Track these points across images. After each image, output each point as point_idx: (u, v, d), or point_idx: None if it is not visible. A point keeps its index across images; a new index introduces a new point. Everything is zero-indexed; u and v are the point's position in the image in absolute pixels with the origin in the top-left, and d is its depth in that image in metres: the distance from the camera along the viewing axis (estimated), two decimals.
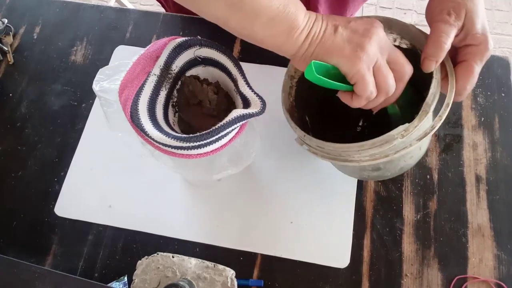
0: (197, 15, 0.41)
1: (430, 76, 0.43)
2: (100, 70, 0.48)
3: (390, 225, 0.57)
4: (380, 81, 0.40)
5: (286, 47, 0.40)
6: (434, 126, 0.40)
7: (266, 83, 0.54)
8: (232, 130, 0.43)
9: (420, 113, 0.40)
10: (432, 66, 0.41)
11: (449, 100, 0.41)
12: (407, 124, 0.40)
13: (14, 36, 0.71)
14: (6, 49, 0.69)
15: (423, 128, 0.41)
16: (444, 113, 0.40)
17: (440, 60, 0.41)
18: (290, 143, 0.61)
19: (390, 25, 0.47)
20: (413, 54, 0.47)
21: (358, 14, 0.80)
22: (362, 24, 0.40)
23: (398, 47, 0.47)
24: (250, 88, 0.45)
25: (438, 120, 0.40)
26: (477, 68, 0.42)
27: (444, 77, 0.43)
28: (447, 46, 0.41)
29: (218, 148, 0.44)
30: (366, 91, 0.39)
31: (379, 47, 0.39)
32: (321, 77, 0.38)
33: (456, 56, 0.44)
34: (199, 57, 0.48)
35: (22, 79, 0.68)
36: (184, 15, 0.71)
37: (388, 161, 0.44)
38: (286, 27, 0.38)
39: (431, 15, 0.43)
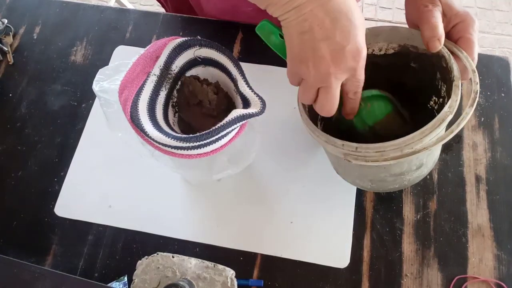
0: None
1: (424, 84, 0.45)
2: (100, 70, 0.48)
3: (390, 225, 0.57)
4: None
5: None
6: (476, 90, 0.41)
7: (266, 83, 0.54)
8: (232, 130, 0.43)
9: (453, 88, 0.42)
10: (437, 44, 0.43)
11: (472, 67, 0.43)
12: (449, 102, 0.41)
13: (14, 36, 0.71)
14: (6, 49, 0.69)
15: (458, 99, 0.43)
16: (475, 78, 0.42)
17: (442, 38, 0.43)
18: (290, 143, 0.61)
19: (378, 33, 0.48)
20: (403, 55, 0.49)
21: None
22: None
23: (384, 54, 0.50)
24: (250, 88, 0.45)
25: (475, 84, 0.42)
26: (474, 38, 0.45)
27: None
28: (440, 24, 0.44)
29: (218, 148, 0.44)
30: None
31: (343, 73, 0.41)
32: (271, 37, 0.41)
33: (451, 39, 0.47)
34: (199, 57, 0.48)
35: (22, 79, 0.68)
36: (184, 15, 0.71)
37: (430, 153, 0.46)
38: None
39: (411, 14, 0.48)
